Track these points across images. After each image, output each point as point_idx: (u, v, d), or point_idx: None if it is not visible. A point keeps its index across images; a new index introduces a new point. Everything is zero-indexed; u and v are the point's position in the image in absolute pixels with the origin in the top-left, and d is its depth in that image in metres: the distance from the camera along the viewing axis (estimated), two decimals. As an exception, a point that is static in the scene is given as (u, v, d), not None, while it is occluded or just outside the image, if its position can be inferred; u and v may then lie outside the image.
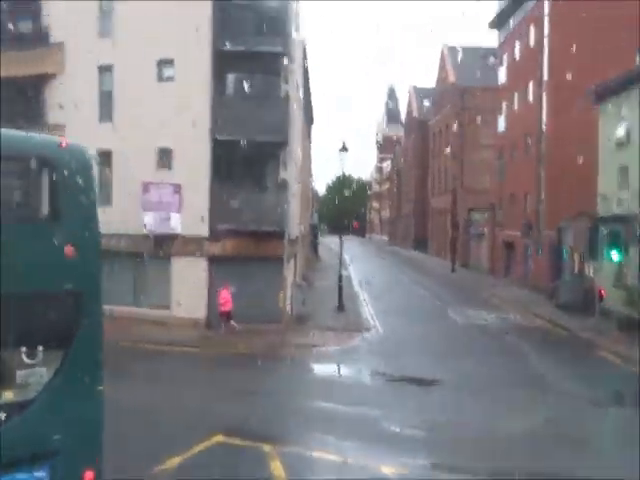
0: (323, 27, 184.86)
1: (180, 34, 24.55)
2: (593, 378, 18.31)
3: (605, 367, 20.09)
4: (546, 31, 37.19)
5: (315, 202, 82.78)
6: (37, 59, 27.62)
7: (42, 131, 29.00)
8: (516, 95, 42.58)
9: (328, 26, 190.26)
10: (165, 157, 25.02)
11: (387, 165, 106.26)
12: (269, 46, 24.04)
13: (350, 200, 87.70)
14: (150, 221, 24.44)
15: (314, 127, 63.05)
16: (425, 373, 18.22)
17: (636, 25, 30.68)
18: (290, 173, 25.66)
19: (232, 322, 23.61)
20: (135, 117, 25.16)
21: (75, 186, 6.85)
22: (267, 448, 11.64)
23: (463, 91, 59.33)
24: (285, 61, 24.53)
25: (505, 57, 46.03)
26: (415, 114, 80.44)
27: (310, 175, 64.35)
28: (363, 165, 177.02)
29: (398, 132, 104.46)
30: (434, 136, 70.24)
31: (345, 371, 19.89)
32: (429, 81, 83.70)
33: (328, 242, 71.21)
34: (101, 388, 6.99)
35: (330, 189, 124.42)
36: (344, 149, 29.27)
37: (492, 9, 51.00)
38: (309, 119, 51.95)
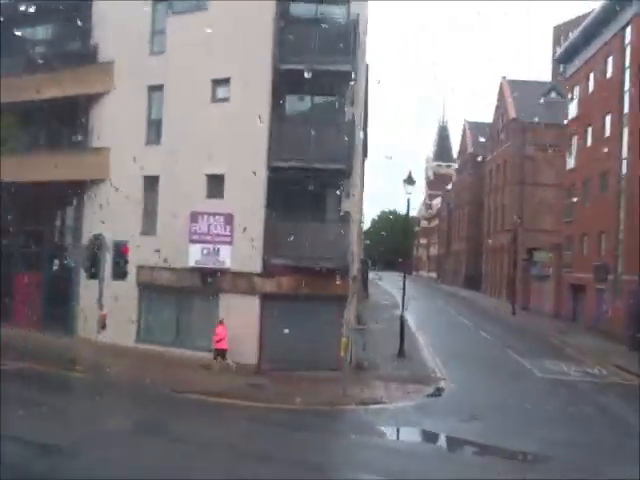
0: (373, 54, 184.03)
1: (237, 51, 22.52)
2: None
3: None
4: (627, 62, 34.38)
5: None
6: (84, 78, 25.98)
7: (85, 155, 27.35)
8: (590, 130, 39.57)
9: (378, 54, 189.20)
10: (216, 184, 22.82)
11: (437, 201, 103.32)
12: (335, 64, 21.78)
13: (397, 236, 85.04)
14: (197, 254, 22.17)
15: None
16: (520, 444, 15.20)
17: None
18: (352, 205, 23.18)
19: (229, 361, 21.71)
20: (185, 140, 23.16)
21: None
22: None
23: (524, 127, 56.59)
24: (352, 81, 22.24)
25: (577, 90, 43.09)
26: (469, 150, 77.62)
27: (361, 208, 61.85)
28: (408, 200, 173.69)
29: (449, 168, 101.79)
30: (490, 173, 67.31)
31: (420, 437, 17.01)
32: (483, 116, 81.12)
33: (371, 278, 68.36)
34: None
35: (375, 223, 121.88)
36: (410, 181, 26.66)
37: (541, 43, 48.44)
38: (365, 148, 49.55)
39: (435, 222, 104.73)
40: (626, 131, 33.98)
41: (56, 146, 27.04)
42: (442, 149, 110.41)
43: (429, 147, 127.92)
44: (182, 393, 19.04)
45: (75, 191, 26.58)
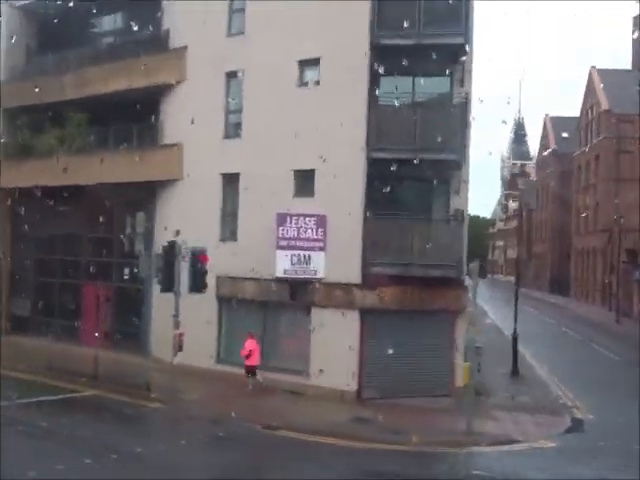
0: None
1: (328, 27, 19.53)
2: None
3: None
4: None
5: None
6: (155, 68, 23.35)
7: (156, 153, 24.81)
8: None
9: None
10: (306, 181, 19.78)
11: (513, 202, 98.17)
12: (445, 37, 18.47)
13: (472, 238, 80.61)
14: (286, 262, 19.15)
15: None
16: None
17: None
18: (463, 202, 19.75)
19: (257, 376, 19.36)
20: (269, 132, 20.25)
21: None
22: None
23: (619, 118, 51.79)
24: (463, 56, 18.87)
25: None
26: (552, 146, 72.67)
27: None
28: (482, 201, 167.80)
29: (525, 167, 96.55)
30: (580, 169, 62.39)
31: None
32: (566, 110, 75.90)
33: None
34: None
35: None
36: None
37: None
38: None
39: (512, 223, 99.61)
40: None
41: (124, 145, 24.57)
42: (518, 146, 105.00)
43: (504, 145, 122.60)
44: (275, 430, 15.99)
45: (146, 193, 24.05)
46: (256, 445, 15.06)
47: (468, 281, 19.01)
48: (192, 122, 21.34)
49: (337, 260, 18.93)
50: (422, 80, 19.88)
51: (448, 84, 19.78)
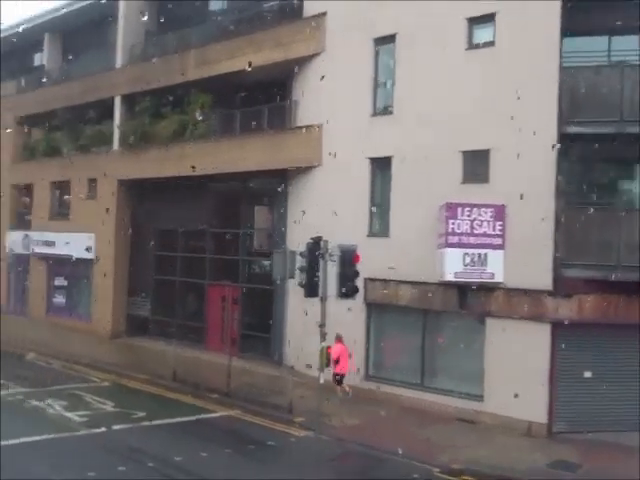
0: None
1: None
2: None
3: None
4: None
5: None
6: (287, 39, 20.52)
7: (290, 137, 21.98)
8: None
9: None
10: (477, 164, 16.27)
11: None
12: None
13: None
14: (457, 263, 15.68)
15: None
16: None
17: None
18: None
19: (345, 386, 17.04)
20: (429, 105, 16.90)
21: None
22: None
23: None
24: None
25: None
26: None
27: None
28: None
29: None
30: None
31: None
32: None
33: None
34: None
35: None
36: None
37: None
38: None
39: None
40: None
41: (253, 129, 21.91)
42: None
43: None
44: (458, 476, 12.66)
45: (277, 183, 21.27)
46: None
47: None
48: (334, 100, 18.34)
49: (520, 261, 15.32)
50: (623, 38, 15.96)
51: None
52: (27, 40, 32.81)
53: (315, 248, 15.94)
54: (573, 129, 15.13)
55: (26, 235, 29.93)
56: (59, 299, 28.86)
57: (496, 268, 15.57)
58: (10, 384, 17.71)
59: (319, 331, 15.77)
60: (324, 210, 18.72)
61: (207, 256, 23.95)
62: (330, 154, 19.01)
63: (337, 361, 16.90)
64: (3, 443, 12.27)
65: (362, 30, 18.45)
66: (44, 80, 31.72)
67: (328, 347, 16.02)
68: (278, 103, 21.77)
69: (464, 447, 14.20)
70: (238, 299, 22.84)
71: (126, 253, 26.20)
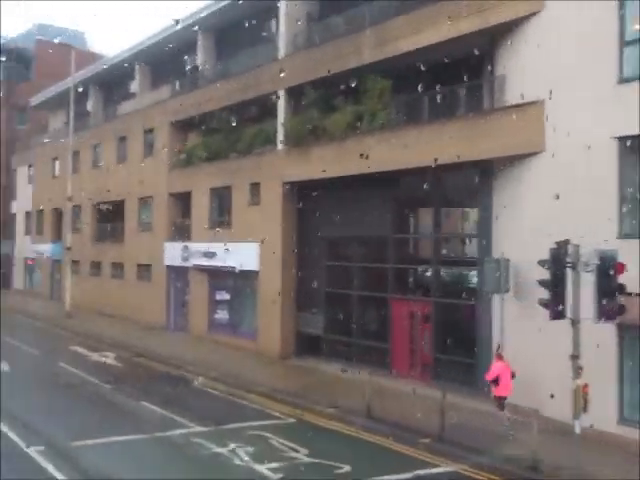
0: None
1: None
2: None
3: None
4: None
5: None
6: (491, 1, 16.86)
7: (499, 118, 18.23)
8: None
9: None
10: None
11: None
12: None
13: None
14: None
15: None
16: None
17: None
18: None
19: (505, 412, 14.45)
20: None
21: None
22: None
23: None
24: None
25: None
26: None
27: None
28: None
29: None
30: None
31: None
32: None
33: None
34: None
35: None
36: None
37: None
38: None
39: None
40: None
41: (445, 114, 18.50)
42: None
43: None
44: None
45: (478, 177, 17.71)
46: None
47: None
48: (558, 69, 14.49)
49: None
50: None
51: None
52: (180, 42, 31.36)
53: (561, 255, 12.22)
54: None
55: (185, 246, 28.15)
56: (221, 314, 26.73)
57: None
58: (184, 420, 15.26)
59: (571, 365, 12.04)
60: (546, 207, 15.02)
61: (390, 266, 20.67)
62: (552, 137, 15.17)
63: (496, 381, 14.57)
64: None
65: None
66: (199, 82, 30.03)
67: (584, 386, 12.19)
68: (475, 82, 18.22)
69: None
70: (430, 316, 19.38)
71: (293, 263, 23.53)
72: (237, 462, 12.67)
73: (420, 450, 13.77)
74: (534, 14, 16.11)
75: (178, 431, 14.53)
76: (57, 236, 41.43)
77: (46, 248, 42.76)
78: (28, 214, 46.74)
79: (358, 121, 20.64)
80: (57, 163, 41.94)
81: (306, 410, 16.79)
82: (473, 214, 19.35)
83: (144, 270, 32.09)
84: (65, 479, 11.46)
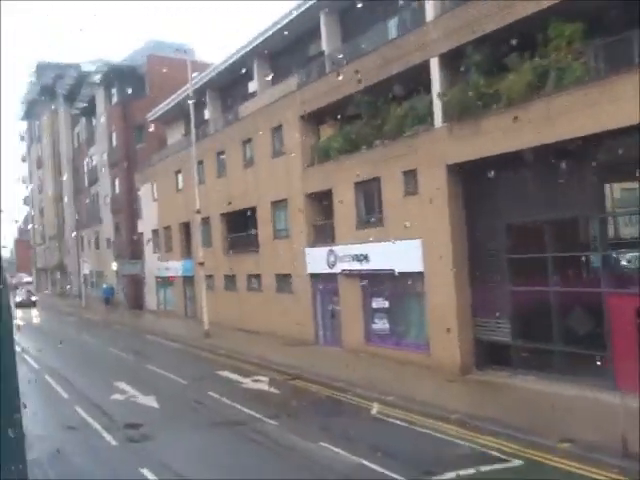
0: None
1: None
2: None
3: None
4: None
5: None
6: None
7: None
8: None
9: None
10: None
11: None
12: None
13: None
14: None
15: None
16: None
17: None
18: None
19: None
20: None
21: None
22: None
23: None
24: None
25: None
26: None
27: None
28: None
29: None
30: None
31: None
32: None
33: None
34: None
35: None
36: None
37: None
38: None
39: None
40: None
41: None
42: None
43: None
44: None
45: None
46: None
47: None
48: None
49: None
50: None
51: None
52: (298, 30, 28.64)
53: None
54: None
55: (330, 250, 25.11)
56: (380, 324, 23.42)
57: None
58: (385, 470, 12.00)
59: None
60: None
61: (598, 254, 16.65)
62: None
63: None
64: None
65: None
66: (326, 68, 27.03)
67: None
68: None
69: None
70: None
71: (465, 259, 19.94)
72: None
73: None
74: None
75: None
76: (187, 252, 39.83)
77: (177, 265, 41.31)
78: (155, 232, 45.62)
79: (542, 79, 16.78)
80: (180, 176, 40.37)
81: (527, 445, 13.11)
82: None
83: (284, 280, 29.41)
84: None
